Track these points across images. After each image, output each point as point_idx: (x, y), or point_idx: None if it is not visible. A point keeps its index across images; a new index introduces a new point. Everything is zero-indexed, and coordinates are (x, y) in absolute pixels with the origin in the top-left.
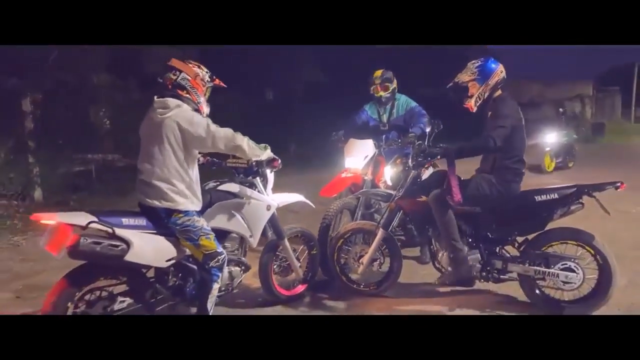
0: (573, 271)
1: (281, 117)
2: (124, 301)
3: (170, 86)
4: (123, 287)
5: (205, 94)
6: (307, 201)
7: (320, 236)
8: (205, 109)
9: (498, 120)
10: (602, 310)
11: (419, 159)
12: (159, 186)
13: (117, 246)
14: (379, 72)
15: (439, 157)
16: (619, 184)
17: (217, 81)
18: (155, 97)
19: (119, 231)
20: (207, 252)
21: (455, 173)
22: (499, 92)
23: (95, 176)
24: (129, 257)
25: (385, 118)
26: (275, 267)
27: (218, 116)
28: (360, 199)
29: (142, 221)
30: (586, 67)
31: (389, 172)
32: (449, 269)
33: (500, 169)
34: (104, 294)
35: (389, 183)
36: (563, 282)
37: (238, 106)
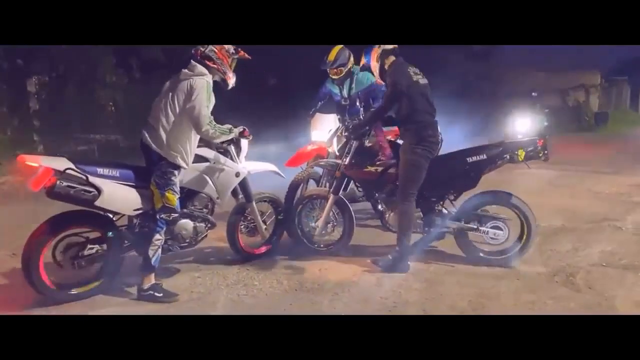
0: (500, 229)
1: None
2: (92, 248)
3: (199, 57)
4: (96, 234)
5: (230, 65)
6: (279, 171)
7: (287, 203)
8: (232, 79)
9: (393, 87)
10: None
11: (356, 130)
12: (161, 136)
13: (89, 192)
14: (332, 56)
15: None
16: (537, 140)
17: (241, 53)
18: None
19: (93, 179)
20: (166, 204)
21: (383, 134)
22: (388, 62)
23: (97, 155)
24: (98, 203)
25: (345, 93)
26: (242, 227)
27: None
28: (324, 169)
29: (116, 172)
30: (594, 56)
31: (336, 144)
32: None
33: (409, 130)
34: (81, 240)
35: (337, 153)
36: (491, 238)
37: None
